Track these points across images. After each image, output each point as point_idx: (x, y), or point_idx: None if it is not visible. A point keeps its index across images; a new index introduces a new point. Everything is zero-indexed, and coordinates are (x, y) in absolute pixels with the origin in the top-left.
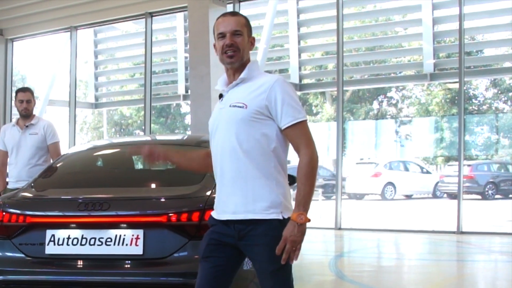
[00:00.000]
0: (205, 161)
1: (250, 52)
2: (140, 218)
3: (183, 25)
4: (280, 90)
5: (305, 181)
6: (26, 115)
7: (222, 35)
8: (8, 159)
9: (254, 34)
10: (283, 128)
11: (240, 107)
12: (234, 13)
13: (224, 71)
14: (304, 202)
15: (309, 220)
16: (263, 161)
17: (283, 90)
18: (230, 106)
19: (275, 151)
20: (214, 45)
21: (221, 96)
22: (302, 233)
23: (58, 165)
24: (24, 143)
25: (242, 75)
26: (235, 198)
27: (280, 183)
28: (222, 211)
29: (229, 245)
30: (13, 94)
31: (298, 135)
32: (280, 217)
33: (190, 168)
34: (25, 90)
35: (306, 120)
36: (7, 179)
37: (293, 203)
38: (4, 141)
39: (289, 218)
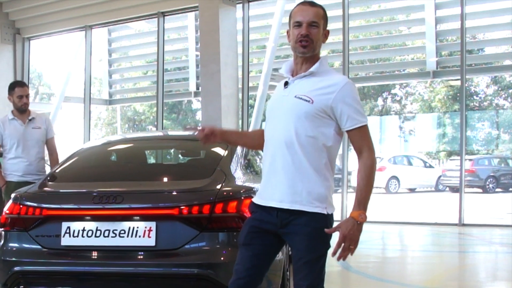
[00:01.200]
0: (260, 140)
1: (262, 50)
2: (152, 211)
3: (194, 24)
4: (349, 93)
5: (367, 182)
6: (25, 109)
7: (298, 24)
8: (8, 153)
9: (262, 34)
10: (346, 130)
11: (306, 101)
12: (313, 4)
13: (293, 57)
14: (364, 202)
15: (366, 220)
16: (316, 157)
17: (352, 93)
18: (295, 96)
19: (330, 149)
20: (287, 32)
21: (286, 83)
22: (360, 232)
23: (73, 160)
24: (30, 138)
25: (313, 68)
26: (283, 187)
27: (328, 179)
28: (268, 197)
29: (269, 232)
30: (30, 91)
31: (361, 138)
32: (324, 212)
33: (245, 146)
34: (23, 84)
35: (367, 124)
36: (7, 173)
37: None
38: (2, 135)
39: (331, 215)
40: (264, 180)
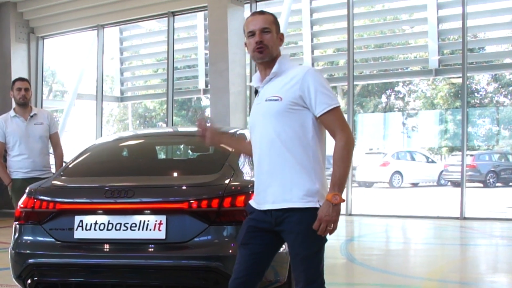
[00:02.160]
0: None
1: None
2: (162, 205)
3: (203, 24)
4: (312, 79)
5: (340, 163)
6: (24, 103)
7: (252, 33)
8: (11, 151)
9: None
10: (318, 115)
11: (276, 100)
12: (262, 12)
13: (257, 68)
14: (339, 184)
15: (343, 200)
16: (301, 151)
17: (315, 79)
18: (266, 100)
19: (313, 141)
20: (245, 44)
21: (256, 92)
22: (337, 213)
23: (85, 155)
24: (32, 134)
25: (274, 69)
26: (274, 189)
27: (317, 172)
28: (261, 201)
29: (267, 231)
30: (44, 89)
31: (333, 121)
32: (317, 206)
33: (241, 152)
34: (23, 79)
35: (339, 106)
36: (12, 170)
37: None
38: (5, 133)
39: None
40: (256, 184)
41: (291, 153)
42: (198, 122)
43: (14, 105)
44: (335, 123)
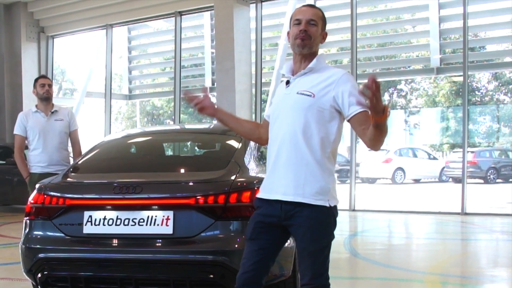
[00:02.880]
0: (252, 130)
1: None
2: (170, 201)
3: (210, 23)
4: (348, 82)
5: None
6: (47, 98)
7: (298, 22)
8: (31, 145)
9: (274, 32)
10: (352, 114)
11: (308, 95)
12: (312, 6)
13: (293, 59)
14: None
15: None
16: (320, 150)
17: (351, 82)
18: (297, 93)
19: (334, 143)
20: (288, 33)
21: (288, 82)
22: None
23: (94, 152)
24: (52, 129)
25: (311, 64)
26: (287, 181)
27: (331, 172)
28: (272, 191)
29: (274, 225)
30: (54, 87)
31: (365, 120)
32: (327, 204)
33: (236, 132)
34: (46, 77)
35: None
36: (31, 164)
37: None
38: (26, 127)
39: (334, 207)
40: (268, 175)
41: (311, 149)
42: (202, 92)
43: (25, 104)
44: (368, 122)
